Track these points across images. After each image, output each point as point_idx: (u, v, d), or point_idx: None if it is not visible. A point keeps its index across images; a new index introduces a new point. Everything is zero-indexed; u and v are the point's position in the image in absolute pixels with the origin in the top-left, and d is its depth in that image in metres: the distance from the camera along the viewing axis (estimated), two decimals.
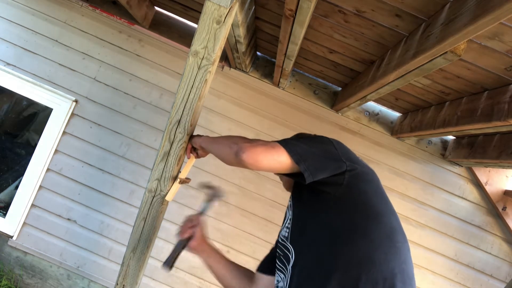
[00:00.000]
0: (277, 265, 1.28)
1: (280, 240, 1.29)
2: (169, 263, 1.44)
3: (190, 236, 1.45)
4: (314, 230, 1.15)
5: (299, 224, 1.21)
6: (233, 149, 1.19)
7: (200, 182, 1.67)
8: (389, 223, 1.13)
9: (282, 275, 1.22)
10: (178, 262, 3.06)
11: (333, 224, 1.12)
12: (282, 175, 1.26)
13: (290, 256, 1.19)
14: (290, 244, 1.22)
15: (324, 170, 1.13)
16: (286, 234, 1.25)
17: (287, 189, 1.46)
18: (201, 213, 1.52)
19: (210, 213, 2.88)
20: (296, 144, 1.16)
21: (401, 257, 1.09)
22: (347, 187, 1.13)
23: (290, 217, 1.27)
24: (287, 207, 1.33)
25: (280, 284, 1.22)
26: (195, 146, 1.50)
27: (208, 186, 1.59)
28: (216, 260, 1.47)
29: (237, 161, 1.18)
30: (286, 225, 1.28)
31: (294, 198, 1.29)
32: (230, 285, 1.45)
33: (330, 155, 1.16)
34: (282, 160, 1.13)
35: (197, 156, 1.56)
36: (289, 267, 1.18)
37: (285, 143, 1.16)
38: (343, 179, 1.13)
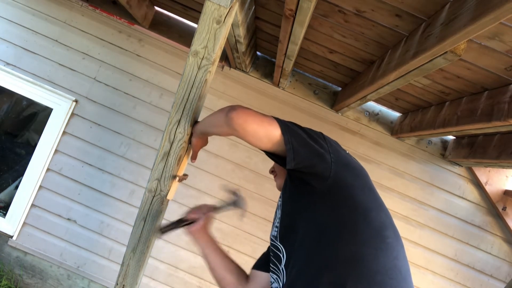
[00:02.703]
0: (270, 266, 1.27)
1: (270, 241, 1.28)
2: (162, 230, 1.48)
3: (193, 220, 1.45)
4: (302, 227, 1.13)
5: (288, 221, 1.20)
6: (225, 110, 1.19)
7: (226, 186, 1.66)
8: (378, 218, 1.11)
9: (275, 276, 1.21)
10: (178, 262, 3.06)
11: (320, 221, 1.10)
12: (267, 154, 1.23)
13: (281, 256, 1.18)
14: (280, 243, 1.20)
15: (308, 158, 1.11)
16: (275, 233, 1.24)
17: (280, 189, 1.44)
18: (215, 208, 1.51)
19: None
20: (288, 124, 1.16)
21: (393, 253, 1.07)
22: (333, 180, 1.11)
23: (279, 216, 1.26)
24: (277, 207, 1.32)
25: (274, 285, 1.21)
26: (194, 135, 1.47)
27: (234, 193, 1.56)
28: (213, 250, 1.45)
29: (226, 121, 1.16)
30: (276, 224, 1.27)
31: (283, 196, 1.28)
32: (224, 279, 1.42)
33: (318, 144, 1.14)
34: (270, 131, 1.11)
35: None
36: (281, 267, 1.17)
37: (279, 120, 1.16)
38: (329, 172, 1.10)
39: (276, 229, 1.25)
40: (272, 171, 1.47)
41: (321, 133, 1.23)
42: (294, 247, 1.13)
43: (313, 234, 1.09)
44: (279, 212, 1.27)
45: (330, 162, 1.11)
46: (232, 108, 1.17)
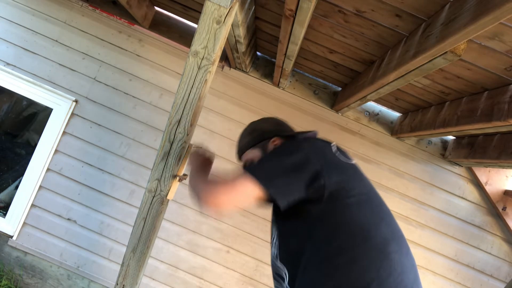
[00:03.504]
0: (274, 283, 1.25)
1: (272, 259, 1.26)
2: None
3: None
4: (303, 251, 1.10)
5: (287, 243, 1.17)
6: (196, 199, 1.15)
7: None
8: (379, 233, 1.08)
9: None
10: (178, 262, 3.05)
11: (320, 248, 1.07)
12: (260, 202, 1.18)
13: (284, 275, 1.17)
14: (281, 263, 1.19)
15: (299, 192, 1.07)
16: (276, 252, 1.22)
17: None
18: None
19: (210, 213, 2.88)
20: (262, 168, 1.10)
21: (397, 268, 1.05)
22: (328, 202, 1.07)
23: (276, 234, 1.23)
24: (272, 222, 1.29)
25: None
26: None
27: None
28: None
29: (206, 212, 1.14)
30: (274, 241, 1.24)
31: (274, 213, 1.25)
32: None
33: (305, 169, 1.08)
34: (249, 194, 1.06)
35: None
36: (285, 285, 1.16)
37: (251, 170, 1.09)
38: (322, 194, 1.07)
39: (276, 249, 1.22)
40: (247, 163, 1.46)
41: (299, 146, 1.16)
42: (297, 272, 1.11)
43: (314, 261, 1.07)
44: (274, 229, 1.24)
45: (323, 185, 1.07)
46: (201, 202, 1.11)
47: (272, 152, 1.23)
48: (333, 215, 1.08)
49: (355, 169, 1.22)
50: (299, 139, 1.30)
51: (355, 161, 1.28)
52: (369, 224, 1.09)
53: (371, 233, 1.08)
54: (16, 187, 2.99)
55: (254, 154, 1.41)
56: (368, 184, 1.22)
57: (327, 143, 1.25)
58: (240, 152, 1.48)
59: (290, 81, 2.88)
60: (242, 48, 2.23)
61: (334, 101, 2.88)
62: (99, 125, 2.90)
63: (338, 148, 1.26)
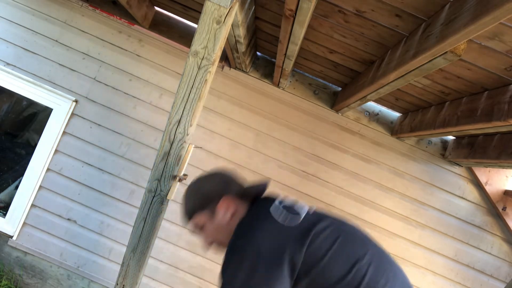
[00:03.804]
0: None
1: None
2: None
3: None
4: None
5: None
6: None
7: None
8: (365, 278, 1.09)
9: None
10: (178, 262, 3.05)
11: None
12: None
13: None
14: None
15: (289, 283, 1.07)
16: None
17: (207, 247, 1.37)
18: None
19: None
20: None
21: None
22: (306, 275, 1.08)
23: None
24: None
25: None
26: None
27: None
28: None
29: None
30: None
31: None
32: None
33: (281, 266, 1.08)
34: None
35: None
36: None
37: None
38: (300, 272, 1.08)
39: None
40: (196, 227, 1.39)
41: (264, 222, 1.15)
42: None
43: None
44: None
45: (299, 265, 1.08)
46: None
47: (240, 257, 1.12)
48: (315, 282, 1.09)
49: (311, 221, 1.17)
50: (252, 213, 1.25)
51: (307, 206, 1.24)
52: (351, 273, 1.09)
53: (356, 281, 1.08)
54: (16, 187, 2.99)
55: (203, 218, 1.33)
56: (332, 225, 1.19)
57: (273, 206, 1.20)
58: (187, 216, 1.37)
59: (290, 81, 2.88)
60: (242, 48, 2.23)
61: (334, 101, 2.88)
62: (99, 125, 2.90)
63: (285, 204, 1.21)
